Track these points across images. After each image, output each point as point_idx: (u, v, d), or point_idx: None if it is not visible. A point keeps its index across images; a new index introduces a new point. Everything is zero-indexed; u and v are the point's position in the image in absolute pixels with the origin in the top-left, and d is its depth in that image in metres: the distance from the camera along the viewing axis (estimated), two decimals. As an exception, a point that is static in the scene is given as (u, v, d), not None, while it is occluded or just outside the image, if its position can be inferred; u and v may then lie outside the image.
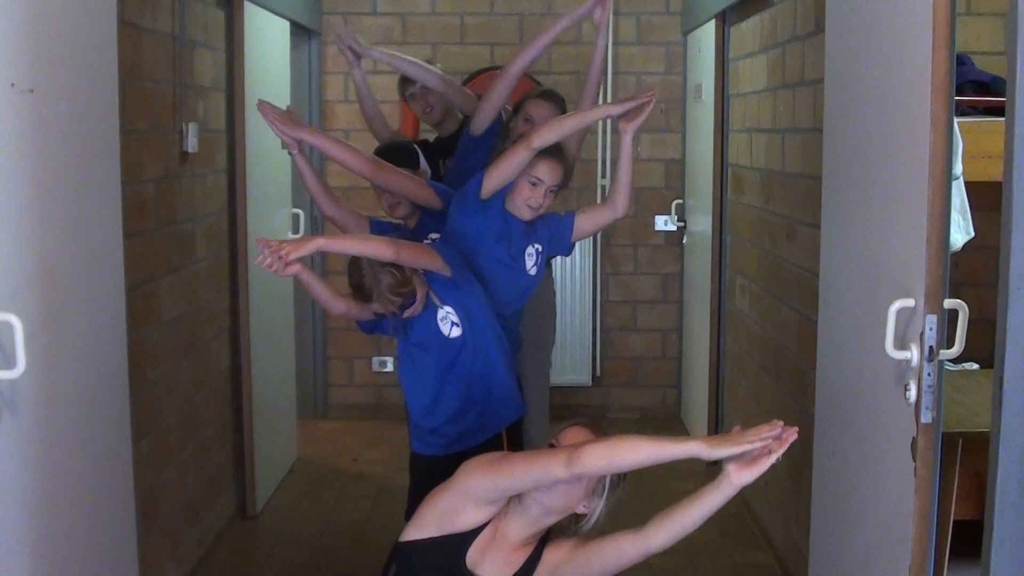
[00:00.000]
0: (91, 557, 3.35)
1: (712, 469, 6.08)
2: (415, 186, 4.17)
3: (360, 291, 3.64)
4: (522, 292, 4.14)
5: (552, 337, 5.16)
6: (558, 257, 5.41)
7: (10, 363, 2.69)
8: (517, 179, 3.90)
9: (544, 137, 3.82)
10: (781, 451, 2.68)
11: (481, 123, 4.48)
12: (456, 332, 3.76)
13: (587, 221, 4.12)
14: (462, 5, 7.12)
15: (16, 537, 2.86)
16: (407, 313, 3.68)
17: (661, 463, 2.80)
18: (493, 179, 3.90)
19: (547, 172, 3.90)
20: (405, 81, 4.98)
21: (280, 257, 3.40)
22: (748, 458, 2.72)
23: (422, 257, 3.66)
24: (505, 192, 3.93)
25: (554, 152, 3.92)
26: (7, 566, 2.81)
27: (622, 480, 3.03)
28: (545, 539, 3.10)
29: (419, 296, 3.67)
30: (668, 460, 2.77)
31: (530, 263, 4.06)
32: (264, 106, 4.04)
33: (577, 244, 6.83)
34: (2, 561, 2.79)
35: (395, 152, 4.37)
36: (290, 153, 4.10)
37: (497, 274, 4.00)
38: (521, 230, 4.01)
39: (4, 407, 2.72)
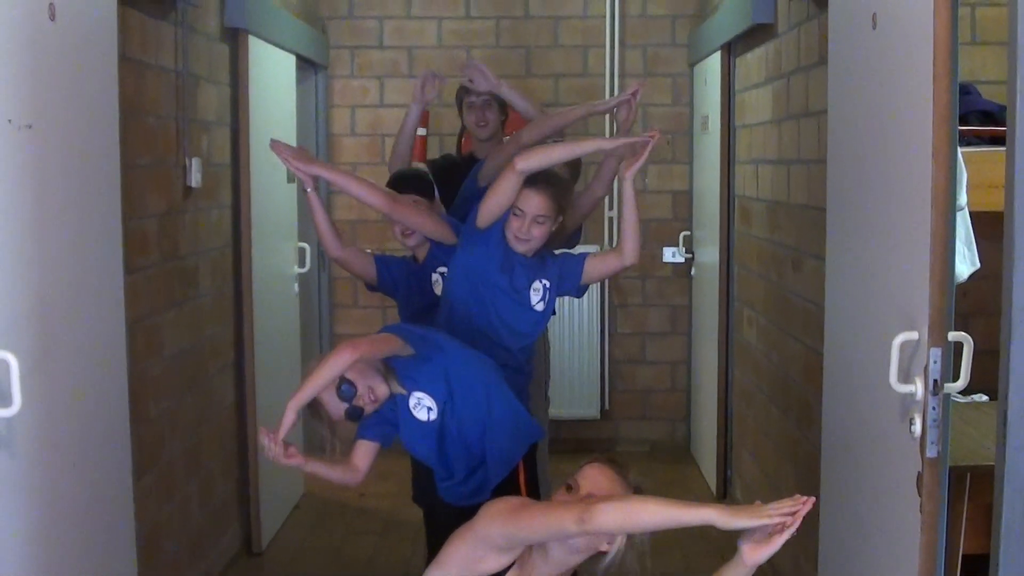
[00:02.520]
0: (91, 595, 3.33)
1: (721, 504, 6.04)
2: (431, 222, 4.15)
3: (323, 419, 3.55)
4: (528, 327, 4.08)
5: (546, 372, 5.14)
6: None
7: (6, 401, 2.67)
8: (508, 213, 3.88)
9: (528, 161, 3.80)
10: (794, 527, 2.63)
11: (489, 175, 4.43)
12: (432, 416, 3.59)
13: (598, 265, 4.08)
14: (468, 38, 7.13)
15: (16, 574, 2.84)
16: (370, 408, 3.52)
17: (676, 527, 2.75)
18: (485, 206, 3.89)
19: (529, 202, 3.86)
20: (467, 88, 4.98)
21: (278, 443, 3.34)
22: (763, 535, 2.66)
23: (381, 347, 3.53)
24: (503, 222, 3.92)
25: (538, 181, 3.88)
26: (6, 605, 2.79)
27: None
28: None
29: (377, 396, 3.51)
30: (683, 525, 2.71)
31: (535, 298, 4.01)
32: (277, 145, 4.02)
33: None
34: (1, 600, 2.77)
35: (412, 180, 4.36)
36: (304, 190, 4.08)
37: (502, 305, 3.97)
38: (526, 263, 3.98)
39: (0, 445, 2.70)
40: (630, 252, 3.95)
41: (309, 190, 4.04)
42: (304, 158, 4.02)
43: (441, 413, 3.60)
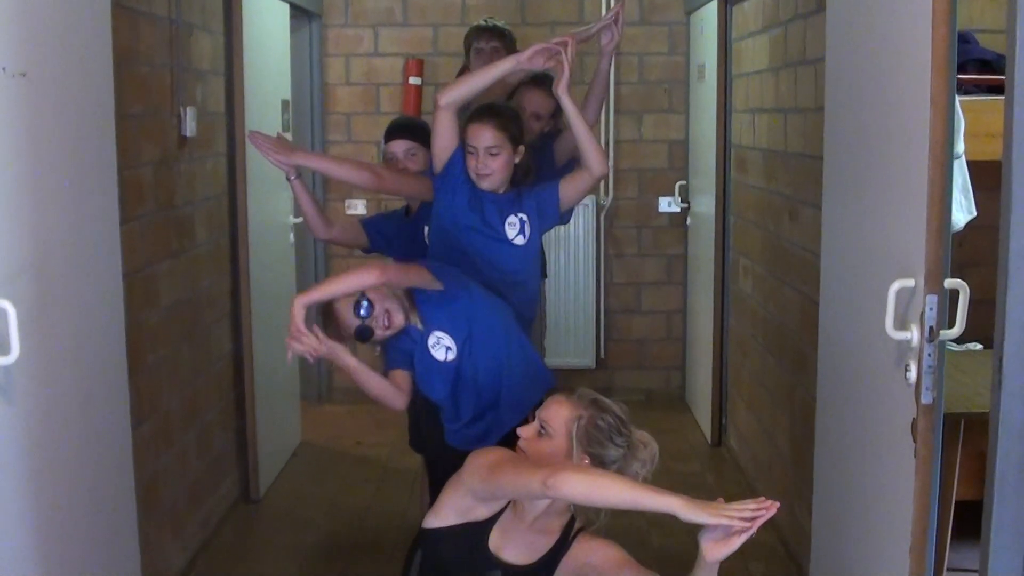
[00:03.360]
0: (91, 542, 3.35)
1: (714, 452, 6.07)
2: (420, 186, 4.14)
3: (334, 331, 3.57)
4: (512, 263, 4.02)
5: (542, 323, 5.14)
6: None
7: (4, 349, 2.68)
8: (466, 154, 3.89)
9: (449, 94, 3.84)
10: (753, 530, 2.63)
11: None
12: (450, 356, 3.62)
13: (570, 188, 4.03)
14: (463, -14, 7.09)
15: (15, 523, 2.86)
16: (379, 333, 3.55)
17: (637, 510, 2.76)
18: (432, 153, 3.94)
19: (477, 136, 3.86)
20: (480, 32, 4.92)
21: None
22: (723, 533, 2.65)
23: (410, 275, 3.58)
24: (460, 163, 3.92)
25: (481, 114, 3.90)
26: (7, 552, 2.81)
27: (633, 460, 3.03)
28: (571, 525, 3.10)
29: (392, 323, 3.55)
30: (645, 510, 2.71)
31: (512, 232, 3.98)
32: (256, 137, 4.01)
33: (580, 226, 6.91)
34: (2, 548, 2.78)
35: (412, 129, 4.35)
36: (288, 179, 4.07)
37: (475, 244, 3.95)
38: (497, 199, 3.97)
39: (-1, 393, 2.72)
40: (594, 164, 3.93)
41: (292, 179, 4.05)
42: (284, 148, 4.01)
43: (459, 354, 3.63)
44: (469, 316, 3.64)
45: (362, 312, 3.47)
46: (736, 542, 2.62)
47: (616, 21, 4.20)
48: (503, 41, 4.94)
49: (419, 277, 3.58)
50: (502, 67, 3.95)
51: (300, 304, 3.39)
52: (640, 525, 5.04)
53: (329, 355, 3.47)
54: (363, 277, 3.45)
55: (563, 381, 6.79)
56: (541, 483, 2.72)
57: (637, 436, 3.08)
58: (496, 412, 3.69)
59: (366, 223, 4.42)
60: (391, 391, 3.62)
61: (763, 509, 2.59)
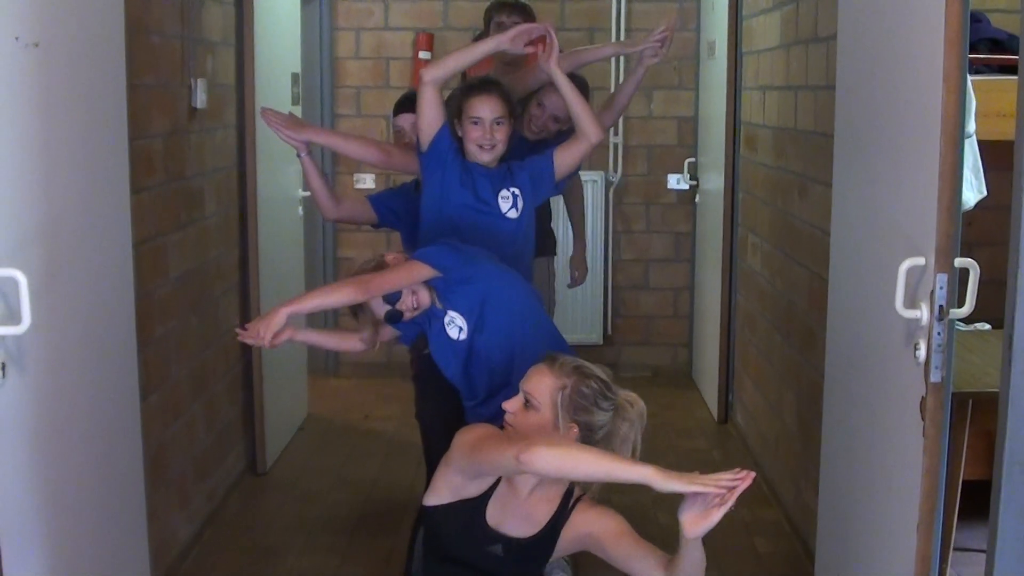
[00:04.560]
0: (100, 512, 3.36)
1: (720, 429, 6.06)
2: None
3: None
4: (506, 238, 4.00)
5: (551, 299, 5.14)
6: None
7: (15, 319, 2.68)
8: (465, 127, 3.88)
9: (435, 71, 3.84)
10: (731, 502, 2.60)
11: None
12: (462, 336, 3.63)
13: (566, 156, 4.00)
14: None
15: (24, 492, 2.87)
16: (409, 315, 3.61)
17: (611, 482, 2.76)
18: (419, 129, 3.92)
19: (481, 107, 3.85)
20: (502, 7, 4.91)
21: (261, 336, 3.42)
22: (702, 508, 2.62)
23: (399, 279, 3.55)
24: (448, 139, 3.91)
25: (483, 86, 3.91)
26: (16, 522, 2.83)
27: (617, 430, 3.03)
28: (570, 494, 3.11)
29: (419, 303, 3.58)
30: (618, 481, 2.71)
31: (506, 206, 3.96)
32: (267, 113, 4.04)
33: (589, 202, 6.89)
34: (11, 517, 2.80)
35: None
36: (298, 155, 4.08)
37: (467, 220, 3.93)
38: (488, 173, 3.95)
39: (10, 363, 2.72)
40: (589, 131, 3.91)
41: (303, 155, 4.05)
42: (295, 125, 4.05)
43: (471, 334, 3.64)
44: (483, 296, 3.63)
45: (390, 298, 3.53)
46: (715, 516, 2.60)
47: (663, 43, 4.21)
48: (524, 17, 4.91)
49: (410, 277, 3.55)
50: (484, 47, 3.96)
51: (284, 313, 3.42)
52: (644, 502, 5.05)
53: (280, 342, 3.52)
54: (345, 293, 3.51)
55: (570, 357, 6.82)
56: (514, 459, 2.73)
57: (622, 396, 3.07)
58: (510, 391, 3.68)
59: (374, 199, 4.42)
60: (349, 343, 3.83)
61: (739, 480, 2.56)
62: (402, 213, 4.36)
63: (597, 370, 3.08)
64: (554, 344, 3.76)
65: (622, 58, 6.95)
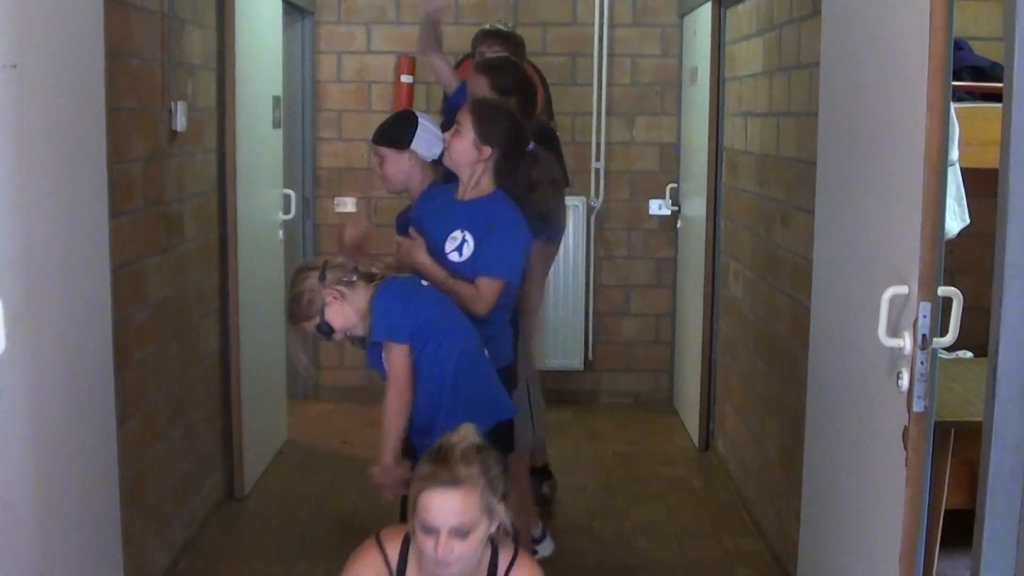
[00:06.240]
0: (74, 538, 3.33)
1: (701, 457, 6.09)
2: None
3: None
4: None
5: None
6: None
7: (-10, 343, 2.65)
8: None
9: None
10: None
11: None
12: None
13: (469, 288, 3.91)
14: (457, -15, 7.06)
15: (-3, 519, 2.83)
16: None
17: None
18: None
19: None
20: (485, 36, 4.97)
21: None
22: None
23: (397, 386, 3.67)
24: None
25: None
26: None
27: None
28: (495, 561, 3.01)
29: (352, 334, 3.73)
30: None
31: (450, 246, 3.92)
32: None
33: (571, 227, 6.90)
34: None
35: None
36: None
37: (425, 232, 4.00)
38: (450, 211, 3.97)
39: (-16, 388, 2.69)
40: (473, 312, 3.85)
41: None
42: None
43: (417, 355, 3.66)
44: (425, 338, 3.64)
45: (324, 333, 3.69)
46: None
47: None
48: (507, 45, 4.92)
49: (401, 389, 3.65)
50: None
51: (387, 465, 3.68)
52: (625, 528, 5.03)
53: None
54: (394, 424, 3.69)
55: (551, 383, 6.81)
56: None
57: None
58: (429, 439, 3.45)
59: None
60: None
61: None
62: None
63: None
64: (482, 400, 3.73)
65: (604, 86, 6.98)
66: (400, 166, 4.21)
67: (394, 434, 3.66)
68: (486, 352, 3.79)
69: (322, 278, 3.62)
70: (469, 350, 3.70)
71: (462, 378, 3.66)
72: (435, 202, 4.03)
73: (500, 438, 3.56)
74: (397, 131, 4.22)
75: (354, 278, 3.65)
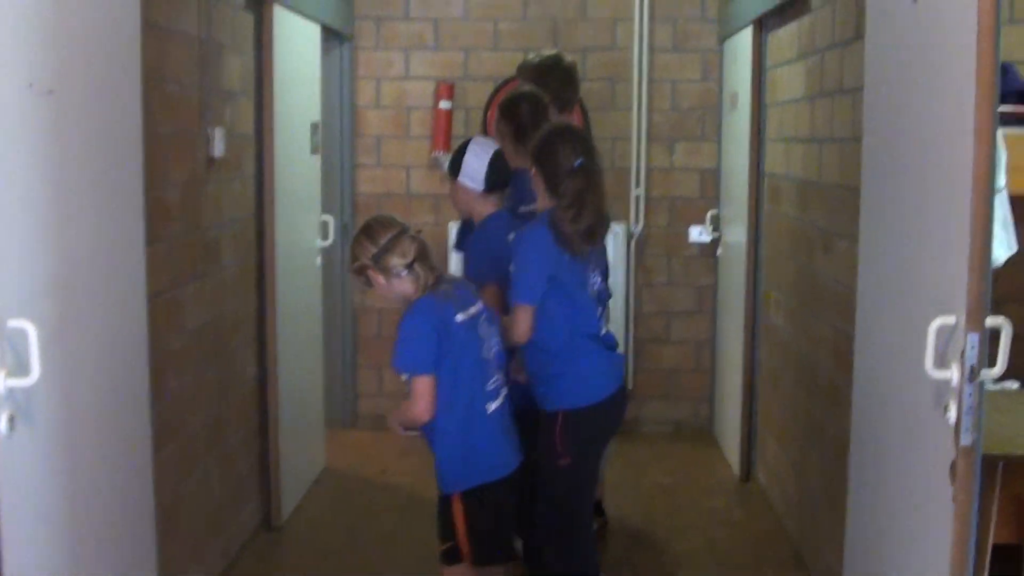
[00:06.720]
0: (110, 568, 3.30)
1: (742, 488, 6.02)
2: None
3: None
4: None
5: None
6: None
7: (25, 370, 2.63)
8: None
9: None
10: None
11: None
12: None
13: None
14: (495, 10, 7.04)
15: (33, 547, 2.81)
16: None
17: None
18: None
19: None
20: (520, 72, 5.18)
21: None
22: None
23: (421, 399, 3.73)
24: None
25: None
26: (25, 574, 2.76)
27: None
28: None
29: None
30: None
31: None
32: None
33: (611, 254, 6.83)
34: (20, 571, 2.73)
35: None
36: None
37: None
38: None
39: (19, 415, 2.66)
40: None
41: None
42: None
43: None
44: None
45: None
46: None
47: None
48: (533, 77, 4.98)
49: (427, 398, 3.71)
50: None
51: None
52: (666, 561, 4.97)
53: None
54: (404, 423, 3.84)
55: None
56: None
57: None
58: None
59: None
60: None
61: None
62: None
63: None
64: (456, 460, 3.84)
65: (644, 111, 6.94)
66: (457, 194, 4.42)
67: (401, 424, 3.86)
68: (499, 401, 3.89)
69: (376, 258, 3.69)
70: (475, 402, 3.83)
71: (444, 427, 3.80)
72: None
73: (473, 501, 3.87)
74: (453, 161, 4.39)
75: (403, 273, 3.71)
